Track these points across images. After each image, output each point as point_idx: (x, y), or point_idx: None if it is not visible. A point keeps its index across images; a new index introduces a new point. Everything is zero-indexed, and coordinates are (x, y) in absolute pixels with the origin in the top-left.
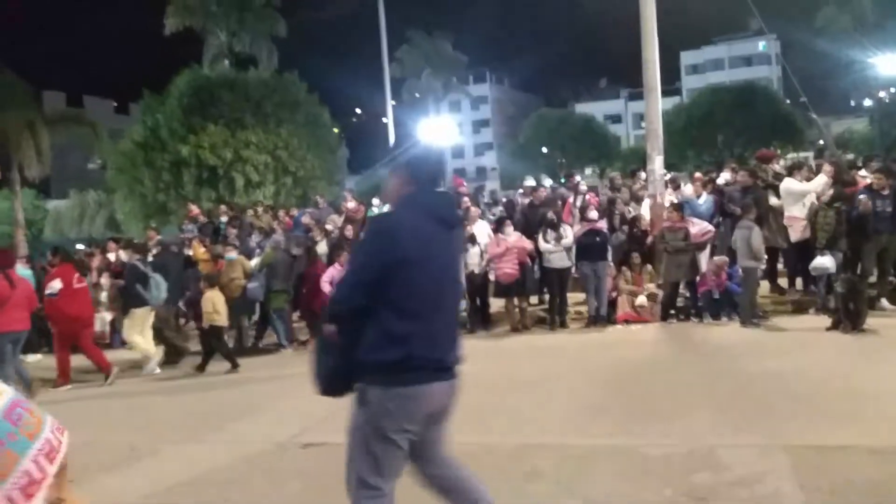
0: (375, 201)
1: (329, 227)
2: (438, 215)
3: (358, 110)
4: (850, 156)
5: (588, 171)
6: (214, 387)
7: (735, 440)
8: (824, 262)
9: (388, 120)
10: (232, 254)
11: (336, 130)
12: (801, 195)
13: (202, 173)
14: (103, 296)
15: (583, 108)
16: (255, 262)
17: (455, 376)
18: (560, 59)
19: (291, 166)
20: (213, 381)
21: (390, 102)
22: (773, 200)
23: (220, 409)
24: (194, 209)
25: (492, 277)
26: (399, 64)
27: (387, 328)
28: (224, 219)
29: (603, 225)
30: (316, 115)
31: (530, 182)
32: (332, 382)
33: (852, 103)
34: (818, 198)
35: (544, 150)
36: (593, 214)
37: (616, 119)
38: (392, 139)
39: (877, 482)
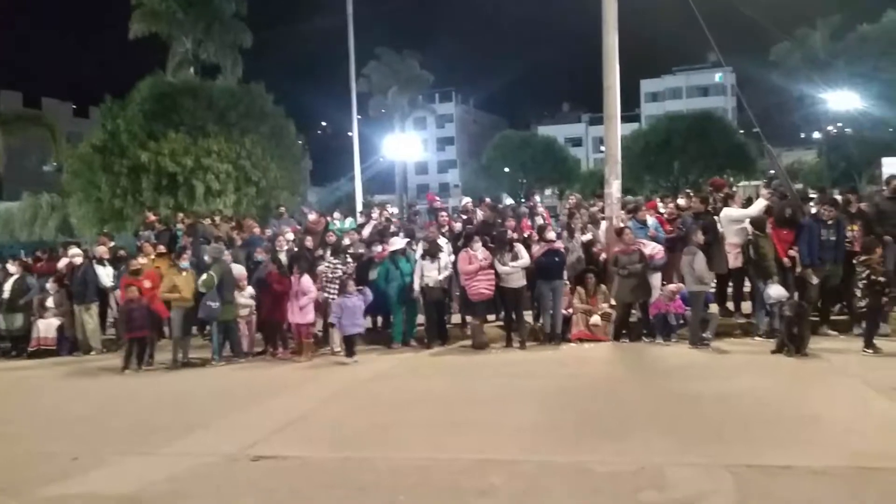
0: (337, 215)
1: (289, 237)
2: None
3: (324, 123)
4: (800, 185)
5: (548, 192)
6: (162, 398)
7: (682, 459)
8: (780, 290)
9: (354, 134)
10: (185, 262)
11: (301, 142)
12: (738, 221)
13: (161, 180)
14: (49, 301)
15: (545, 130)
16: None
17: None
18: (524, 82)
19: (254, 176)
20: (161, 392)
21: (356, 117)
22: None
23: (169, 421)
24: (151, 216)
25: (456, 293)
26: (367, 80)
27: None
28: (181, 226)
29: (560, 245)
30: (281, 127)
31: (466, 200)
32: None
33: (802, 135)
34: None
35: (507, 169)
36: (551, 235)
37: (577, 142)
38: (357, 153)
39: (817, 501)
